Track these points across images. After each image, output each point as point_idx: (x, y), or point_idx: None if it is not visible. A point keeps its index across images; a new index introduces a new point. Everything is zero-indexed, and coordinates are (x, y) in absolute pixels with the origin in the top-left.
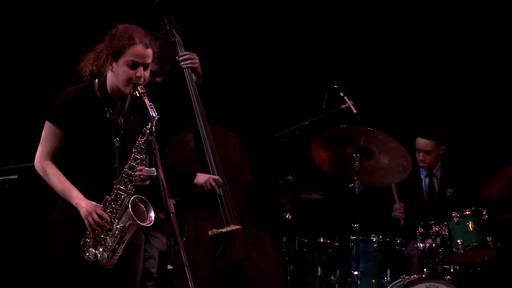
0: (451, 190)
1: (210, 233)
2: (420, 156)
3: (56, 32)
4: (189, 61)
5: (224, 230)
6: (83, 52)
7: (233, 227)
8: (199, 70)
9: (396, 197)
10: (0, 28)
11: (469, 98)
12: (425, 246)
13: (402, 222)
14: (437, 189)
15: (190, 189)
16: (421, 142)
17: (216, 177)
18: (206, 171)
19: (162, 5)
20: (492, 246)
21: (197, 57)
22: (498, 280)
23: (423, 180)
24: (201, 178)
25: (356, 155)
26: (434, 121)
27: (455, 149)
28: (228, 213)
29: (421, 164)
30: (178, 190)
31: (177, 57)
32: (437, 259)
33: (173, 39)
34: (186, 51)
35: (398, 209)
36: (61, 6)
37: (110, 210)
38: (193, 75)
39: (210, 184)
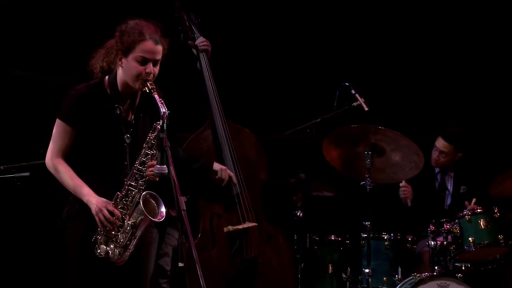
0: (465, 187)
1: (225, 229)
2: (435, 155)
3: (73, 29)
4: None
5: (240, 227)
6: (95, 49)
7: (249, 225)
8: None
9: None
10: (9, 25)
11: (482, 96)
12: (436, 243)
13: (409, 203)
14: (451, 186)
15: (208, 177)
16: (440, 142)
17: (231, 172)
18: None
19: (182, 1)
20: (503, 244)
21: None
22: (511, 278)
23: (437, 176)
24: (217, 165)
25: (368, 152)
26: (460, 126)
27: (470, 148)
28: (245, 210)
29: (434, 164)
30: (195, 180)
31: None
32: (449, 257)
33: (192, 35)
34: None
35: (404, 186)
36: (80, 2)
37: (121, 206)
38: (210, 74)
39: (226, 174)
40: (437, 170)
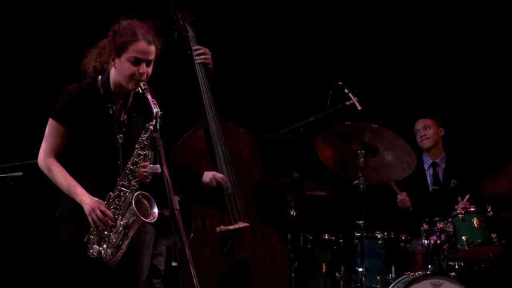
0: (455, 181)
1: (217, 229)
2: (420, 134)
3: (66, 29)
4: (203, 57)
5: (232, 227)
6: (88, 48)
7: (241, 225)
8: (211, 65)
9: (397, 190)
10: (3, 25)
11: (475, 95)
12: (430, 242)
13: (411, 209)
14: (441, 180)
15: (197, 187)
16: (419, 122)
17: (221, 175)
18: (215, 167)
19: (176, 0)
20: (497, 243)
21: (209, 52)
22: (504, 277)
23: (427, 171)
24: (206, 176)
25: (361, 151)
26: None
27: (459, 142)
28: (236, 210)
29: (424, 141)
30: (185, 188)
31: (189, 52)
32: (442, 256)
33: (186, 34)
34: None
35: (403, 200)
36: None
37: (114, 207)
38: (204, 70)
39: (216, 180)
40: (427, 164)
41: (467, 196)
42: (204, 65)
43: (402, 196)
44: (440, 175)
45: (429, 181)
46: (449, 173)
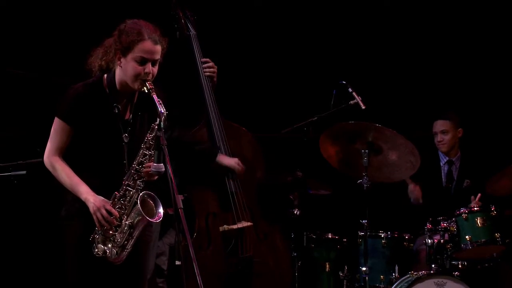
0: (469, 181)
1: (221, 229)
2: (438, 138)
3: (71, 28)
4: (211, 70)
5: (235, 226)
6: (93, 47)
7: (244, 224)
8: (215, 79)
9: (409, 181)
10: (6, 23)
11: (482, 94)
12: (433, 242)
13: (421, 201)
14: (455, 178)
15: (211, 163)
16: (437, 123)
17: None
18: None
19: None
20: (500, 242)
21: (215, 67)
22: (508, 276)
23: (442, 168)
24: (224, 158)
25: (365, 151)
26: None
27: (475, 141)
28: (240, 209)
29: (440, 146)
30: (197, 164)
31: (191, 51)
32: (445, 255)
33: (188, 33)
34: (199, 45)
35: (414, 190)
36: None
37: (119, 206)
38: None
39: (235, 165)
40: (443, 161)
41: (479, 195)
42: (210, 78)
43: (413, 187)
44: (454, 173)
45: (443, 178)
46: (463, 173)
